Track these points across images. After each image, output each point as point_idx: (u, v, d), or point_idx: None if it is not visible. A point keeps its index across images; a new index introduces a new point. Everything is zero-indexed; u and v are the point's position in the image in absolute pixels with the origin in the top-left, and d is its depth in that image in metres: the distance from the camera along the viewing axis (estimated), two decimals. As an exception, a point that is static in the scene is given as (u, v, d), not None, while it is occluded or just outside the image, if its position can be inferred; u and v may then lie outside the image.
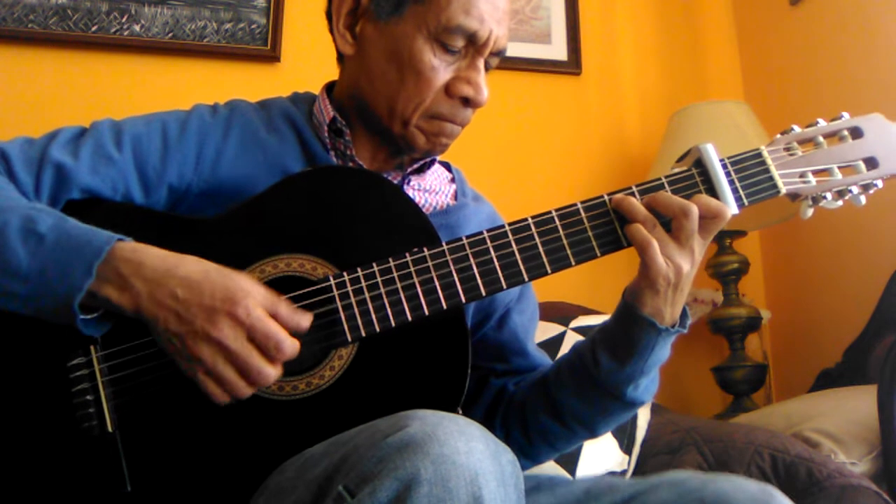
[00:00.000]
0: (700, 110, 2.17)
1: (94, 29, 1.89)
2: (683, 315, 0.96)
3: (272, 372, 0.80)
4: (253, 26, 2.02)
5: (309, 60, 2.05)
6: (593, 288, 2.02)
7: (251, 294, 0.80)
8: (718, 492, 0.86)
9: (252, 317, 0.79)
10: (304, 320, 0.83)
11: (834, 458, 1.46)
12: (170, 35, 1.94)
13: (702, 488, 0.88)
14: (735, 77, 2.55)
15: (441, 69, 0.97)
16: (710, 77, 2.52)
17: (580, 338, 1.72)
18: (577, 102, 2.35)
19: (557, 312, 1.79)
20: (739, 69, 2.56)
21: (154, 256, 0.82)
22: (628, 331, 0.94)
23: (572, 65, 2.34)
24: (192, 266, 0.82)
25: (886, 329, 1.86)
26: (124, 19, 1.91)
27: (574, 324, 1.76)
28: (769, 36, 2.46)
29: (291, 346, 0.80)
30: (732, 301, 2.15)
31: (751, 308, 2.15)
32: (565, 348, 1.69)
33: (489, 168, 2.13)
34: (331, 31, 1.06)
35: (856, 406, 1.60)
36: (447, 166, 1.18)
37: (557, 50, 2.33)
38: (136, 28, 1.92)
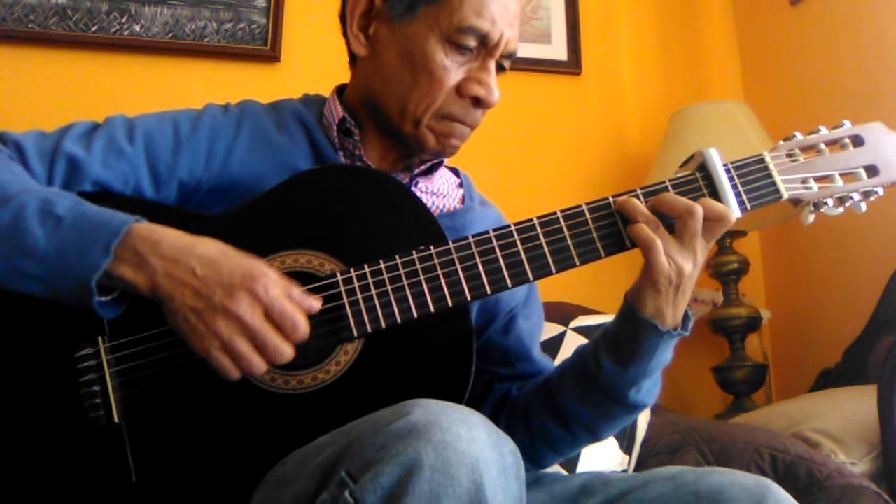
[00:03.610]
0: (700, 110, 2.17)
1: (94, 29, 1.89)
2: (686, 318, 0.97)
3: (288, 350, 0.81)
4: (253, 26, 2.02)
5: (309, 60, 2.05)
6: (593, 288, 2.02)
7: (269, 274, 0.82)
8: (713, 485, 0.87)
9: (270, 295, 0.80)
10: (316, 304, 0.84)
11: (834, 458, 1.46)
12: (170, 35, 1.94)
13: (696, 482, 0.88)
14: (735, 77, 2.55)
15: (453, 69, 0.99)
16: (710, 77, 2.52)
17: (580, 338, 1.72)
18: (577, 102, 2.35)
19: (557, 312, 1.79)
20: (739, 69, 2.56)
21: (171, 236, 0.83)
22: (630, 333, 0.94)
23: (572, 65, 2.34)
24: (210, 245, 0.83)
25: (886, 329, 1.86)
26: (124, 19, 1.91)
27: (574, 324, 1.76)
28: (769, 36, 2.46)
29: (306, 326, 0.82)
30: (732, 301, 2.15)
31: (751, 308, 2.15)
32: (565, 348, 1.69)
33: (489, 167, 2.13)
34: (344, 33, 1.08)
35: (856, 406, 1.60)
36: (455, 172, 1.19)
37: (557, 50, 2.33)
38: (136, 28, 1.92)
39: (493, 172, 2.13)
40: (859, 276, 2.07)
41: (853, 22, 2.17)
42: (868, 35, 2.12)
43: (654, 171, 2.20)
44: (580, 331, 1.74)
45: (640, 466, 1.61)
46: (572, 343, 1.71)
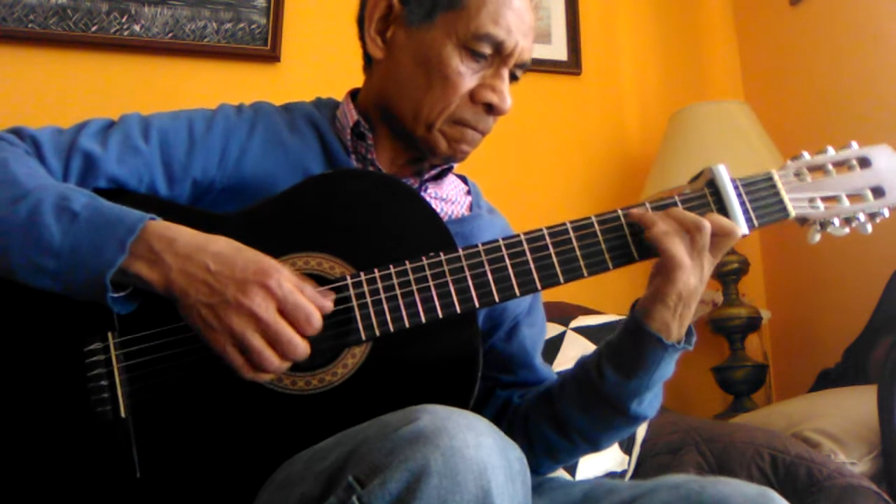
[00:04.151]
0: (700, 110, 2.18)
1: (94, 29, 1.89)
2: (689, 333, 0.97)
3: (301, 343, 0.81)
4: (253, 26, 2.02)
5: (309, 60, 2.05)
6: (593, 288, 2.02)
7: (281, 269, 0.83)
8: (717, 495, 0.87)
9: (284, 289, 0.81)
10: (328, 303, 0.85)
11: (834, 458, 1.46)
12: (170, 35, 1.94)
13: (701, 491, 0.88)
14: (735, 77, 2.55)
15: (467, 76, 1.00)
16: (710, 77, 2.52)
17: (580, 338, 1.72)
18: (577, 102, 2.35)
19: (557, 312, 1.79)
20: (739, 69, 2.56)
21: (186, 234, 0.84)
22: (635, 345, 0.95)
23: (572, 65, 2.34)
24: (224, 243, 0.84)
25: (886, 329, 1.86)
26: (124, 19, 1.91)
27: (574, 324, 1.76)
28: (769, 36, 2.46)
29: (319, 320, 0.82)
30: (732, 301, 2.15)
31: (751, 308, 2.15)
32: (565, 348, 1.69)
33: (488, 167, 2.13)
34: (360, 37, 1.09)
35: (856, 406, 1.60)
36: (464, 179, 1.20)
37: (557, 50, 2.33)
38: (136, 28, 1.92)
39: (493, 172, 2.13)
40: (859, 277, 2.07)
41: (853, 22, 2.17)
42: (868, 35, 2.12)
43: (654, 171, 2.20)
44: (580, 331, 1.74)
45: (639, 466, 1.61)
46: (572, 343, 1.71)
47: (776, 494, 0.88)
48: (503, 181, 2.13)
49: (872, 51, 2.10)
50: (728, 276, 2.16)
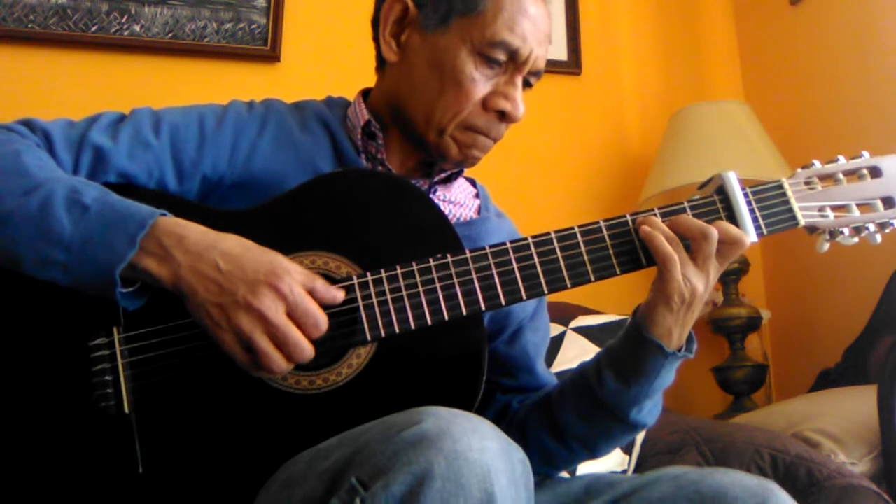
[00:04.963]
0: (700, 110, 2.18)
1: (94, 29, 1.89)
2: (690, 340, 0.97)
3: (308, 347, 0.81)
4: (253, 26, 2.02)
5: (309, 60, 2.05)
6: (593, 288, 2.01)
7: (292, 271, 0.83)
8: (716, 485, 0.87)
9: (294, 293, 0.81)
10: (339, 294, 0.85)
11: (834, 458, 1.46)
12: (170, 35, 1.94)
13: (700, 481, 0.89)
14: (735, 77, 2.56)
15: (481, 82, 1.00)
16: (710, 77, 2.53)
17: (580, 338, 1.72)
18: (577, 102, 2.35)
19: (557, 312, 1.79)
20: (739, 69, 2.56)
21: (197, 231, 0.84)
22: (635, 351, 0.95)
23: (572, 65, 2.34)
24: (234, 241, 0.84)
25: (886, 329, 1.87)
26: (124, 19, 1.91)
27: (574, 324, 1.76)
28: (769, 36, 2.46)
29: (326, 324, 0.83)
30: (732, 301, 2.15)
31: (751, 308, 2.15)
32: (565, 348, 1.69)
33: (488, 167, 2.13)
34: (375, 38, 1.08)
35: (856, 406, 1.60)
36: (472, 182, 1.20)
37: (557, 50, 2.33)
38: (136, 28, 1.92)
39: (492, 172, 2.12)
40: (859, 277, 2.07)
41: (853, 22, 2.17)
42: (868, 35, 2.12)
43: (654, 171, 2.20)
44: (580, 331, 1.74)
45: (640, 466, 1.61)
46: (572, 343, 1.71)
47: (776, 486, 0.88)
48: (502, 181, 2.13)
49: (872, 50, 2.10)
50: (728, 276, 2.16)
